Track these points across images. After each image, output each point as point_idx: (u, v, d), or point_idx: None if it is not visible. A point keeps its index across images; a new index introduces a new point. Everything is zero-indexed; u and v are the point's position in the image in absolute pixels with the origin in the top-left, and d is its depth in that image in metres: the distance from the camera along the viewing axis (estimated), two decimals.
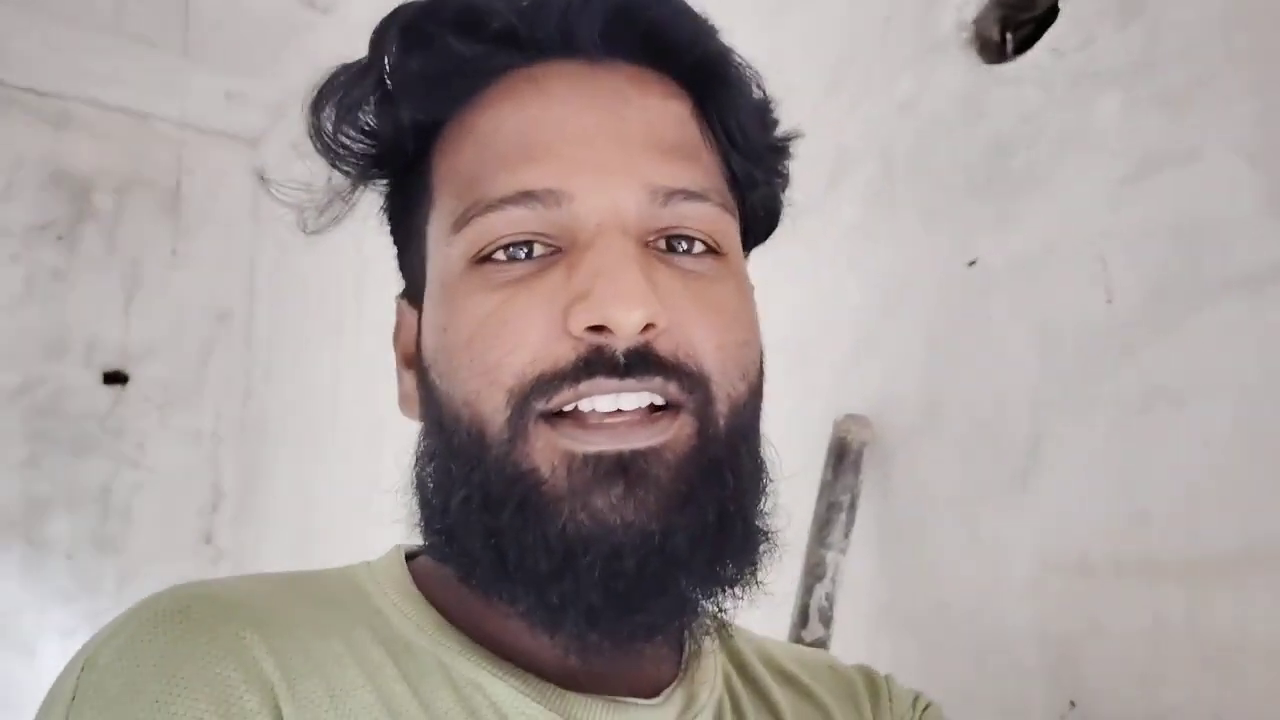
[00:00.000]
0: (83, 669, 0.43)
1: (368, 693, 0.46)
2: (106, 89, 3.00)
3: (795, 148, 0.63)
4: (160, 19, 2.47)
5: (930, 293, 1.07)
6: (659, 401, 0.47)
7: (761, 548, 0.51)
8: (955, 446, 1.02)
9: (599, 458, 0.45)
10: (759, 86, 0.58)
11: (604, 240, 0.46)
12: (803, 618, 1.03)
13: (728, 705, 0.57)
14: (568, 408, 0.46)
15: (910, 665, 1.03)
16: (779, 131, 0.60)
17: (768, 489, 0.53)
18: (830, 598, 1.03)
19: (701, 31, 0.54)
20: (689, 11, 0.54)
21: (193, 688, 0.42)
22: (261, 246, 2.98)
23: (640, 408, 0.46)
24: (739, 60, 0.56)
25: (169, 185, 3.13)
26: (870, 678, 0.68)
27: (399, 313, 0.57)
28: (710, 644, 0.57)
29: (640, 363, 0.45)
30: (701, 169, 0.51)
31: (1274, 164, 0.81)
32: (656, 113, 0.51)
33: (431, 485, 0.50)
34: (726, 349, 0.49)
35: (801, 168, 1.24)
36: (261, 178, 0.54)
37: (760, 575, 0.52)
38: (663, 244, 0.49)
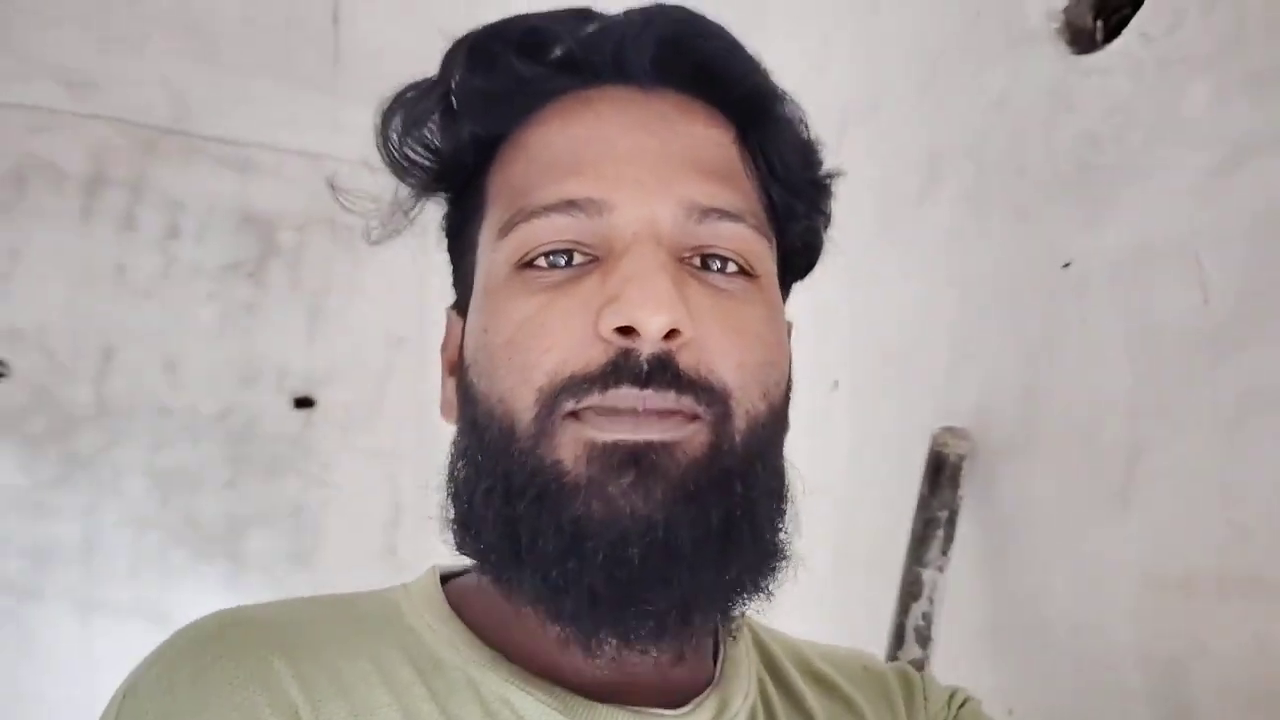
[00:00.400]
0: (125, 696, 0.48)
1: (394, 711, 0.48)
2: (283, 133, 3.24)
3: (836, 186, 0.63)
4: (322, 63, 2.65)
5: (1027, 298, 1.03)
6: (680, 408, 0.48)
7: (772, 561, 0.52)
8: (1054, 459, 0.97)
9: (615, 446, 0.46)
10: (804, 125, 0.59)
11: (638, 249, 0.48)
12: (898, 637, 1.01)
13: (760, 711, 0.57)
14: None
15: (1013, 685, 0.99)
16: (821, 170, 0.61)
17: (785, 506, 0.54)
18: (928, 616, 1.01)
19: (748, 67, 0.56)
20: (737, 47, 0.56)
21: (222, 713, 0.46)
22: (428, 274, 3.15)
23: (660, 416, 0.47)
24: (785, 98, 0.58)
25: (344, 220, 3.35)
26: (905, 676, 0.67)
27: (448, 323, 0.60)
28: (743, 651, 0.58)
29: (661, 372, 0.47)
30: (739, 192, 0.53)
31: None
32: (699, 137, 0.53)
33: (460, 479, 0.52)
34: (747, 368, 0.50)
35: (896, 171, 1.22)
36: (331, 187, 0.60)
37: (771, 587, 0.52)
38: (698, 261, 0.51)
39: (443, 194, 0.59)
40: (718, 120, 0.55)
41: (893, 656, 0.99)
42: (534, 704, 0.49)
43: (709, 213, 0.50)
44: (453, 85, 0.54)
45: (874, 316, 1.25)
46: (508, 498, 0.48)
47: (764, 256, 0.54)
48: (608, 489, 0.46)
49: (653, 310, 0.46)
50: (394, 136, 0.55)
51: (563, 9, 0.56)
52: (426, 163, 0.56)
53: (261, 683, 0.47)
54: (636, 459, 0.46)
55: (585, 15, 0.55)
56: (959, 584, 1.04)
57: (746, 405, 0.49)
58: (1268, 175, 0.80)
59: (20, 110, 3.21)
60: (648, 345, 0.46)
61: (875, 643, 1.01)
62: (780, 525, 0.53)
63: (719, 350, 0.49)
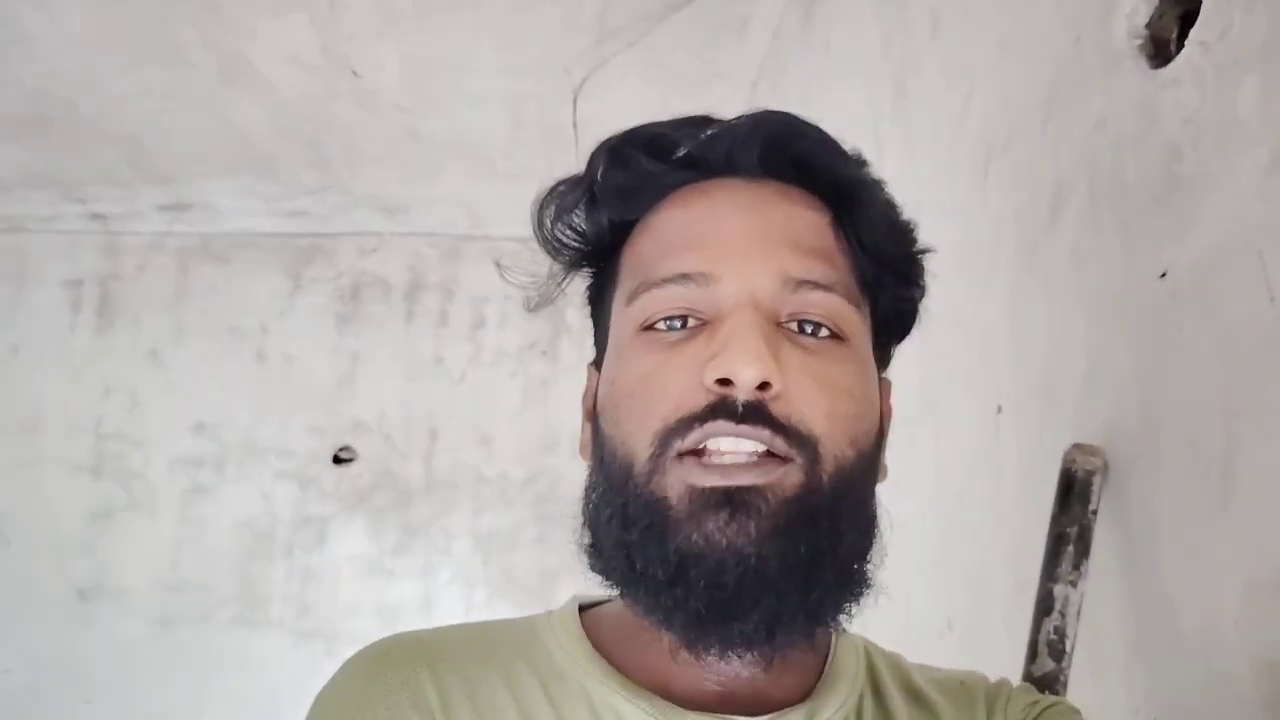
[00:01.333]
0: (316, 700, 0.62)
1: (513, 712, 0.60)
2: None
3: (927, 261, 0.72)
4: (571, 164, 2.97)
5: (1138, 311, 1.04)
6: (772, 450, 0.57)
7: (854, 589, 0.60)
8: (1172, 469, 0.98)
9: (712, 491, 0.55)
10: (894, 208, 0.69)
11: (739, 314, 0.58)
12: (1032, 652, 1.04)
13: None
14: (699, 448, 0.57)
15: (1156, 696, 0.98)
16: (911, 248, 0.69)
17: (871, 542, 0.62)
18: (1060, 630, 1.03)
19: (839, 160, 0.66)
20: (832, 144, 0.67)
21: (377, 713, 0.59)
22: None
23: (754, 451, 0.57)
24: (875, 185, 0.67)
25: None
26: (994, 687, 0.73)
27: (588, 377, 0.72)
28: (851, 671, 0.68)
29: (754, 414, 0.56)
30: (831, 266, 0.62)
31: None
32: (797, 219, 0.63)
33: (590, 509, 0.63)
34: (835, 418, 0.58)
35: (1029, 200, 1.27)
36: (498, 264, 0.74)
37: (852, 612, 0.62)
38: (794, 325, 0.60)
39: (587, 269, 0.71)
40: (814, 204, 0.64)
41: (1027, 671, 1.02)
42: (635, 711, 0.59)
43: (803, 284, 0.59)
44: (595, 180, 0.66)
45: (1025, 342, 1.27)
46: (625, 525, 0.58)
47: (853, 321, 0.62)
48: (706, 525, 0.55)
49: (745, 364, 0.55)
50: (548, 223, 0.68)
51: (686, 116, 0.68)
52: (574, 244, 0.68)
53: (410, 689, 0.60)
54: (730, 499, 0.55)
55: (704, 121, 0.67)
56: (1101, 598, 1.05)
57: (835, 451, 0.57)
58: None
59: (351, 236, 3.85)
60: (743, 393, 0.56)
61: (1017, 664, 1.05)
62: (865, 558, 0.62)
63: (808, 401, 0.57)
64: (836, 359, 0.61)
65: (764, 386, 0.55)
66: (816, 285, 0.59)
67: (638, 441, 0.60)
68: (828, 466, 0.58)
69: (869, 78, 1.82)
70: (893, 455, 0.72)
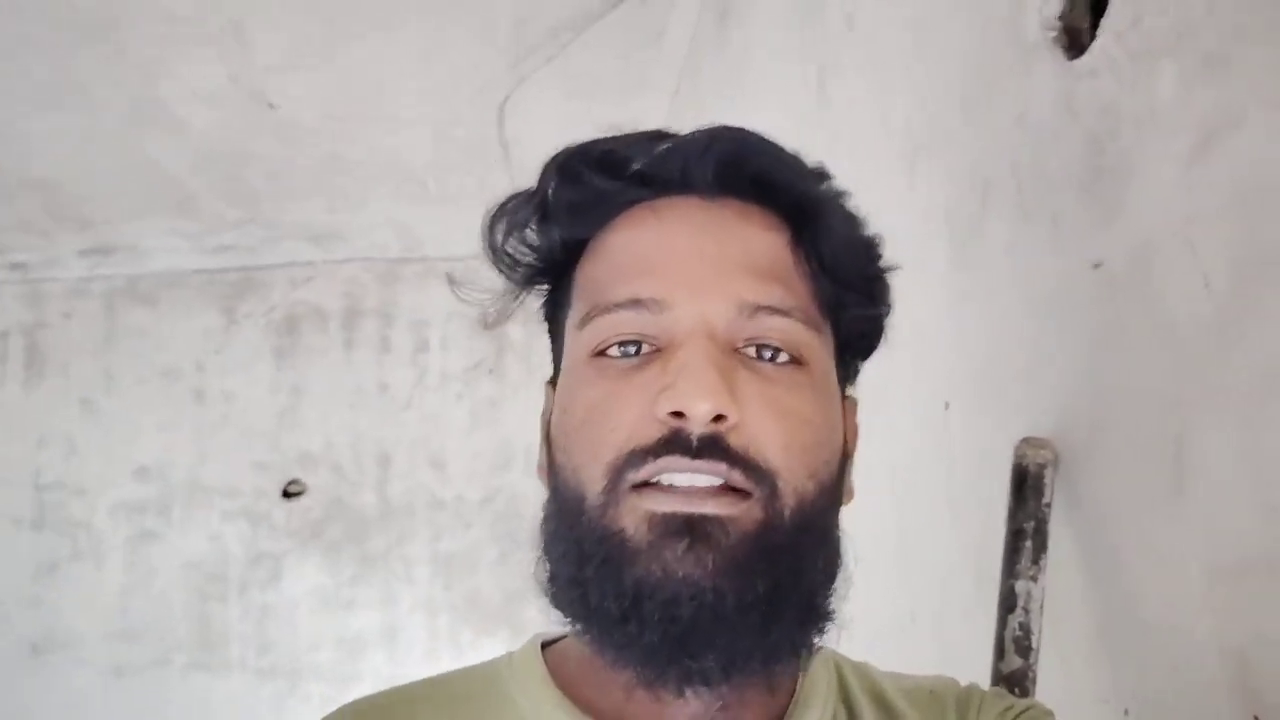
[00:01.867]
0: None
1: None
2: None
3: (891, 278, 0.70)
4: (504, 183, 2.95)
5: (1075, 303, 1.04)
6: (730, 483, 0.55)
7: (814, 625, 0.59)
8: (1122, 459, 0.98)
9: (672, 516, 0.54)
10: (857, 225, 0.67)
11: (692, 343, 0.56)
12: (999, 650, 1.03)
13: None
14: (653, 480, 0.56)
15: (1125, 686, 0.99)
16: (875, 265, 0.68)
17: (834, 574, 0.60)
18: (1025, 627, 1.03)
19: (800, 177, 0.64)
20: (791, 160, 0.65)
21: None
22: None
23: (712, 485, 0.55)
24: (835, 203, 0.65)
25: None
26: (964, 695, 0.71)
27: (546, 396, 0.69)
28: (823, 690, 0.66)
29: (710, 448, 0.54)
30: (788, 289, 0.60)
31: None
32: (755, 241, 0.61)
33: (545, 541, 0.61)
34: (793, 449, 0.56)
35: (958, 196, 1.27)
36: (451, 281, 0.71)
37: (811, 647, 0.61)
38: (752, 351, 0.58)
39: (540, 286, 0.68)
40: (773, 224, 0.62)
41: (995, 669, 1.02)
42: None
43: (759, 309, 0.58)
44: (547, 197, 0.64)
45: (967, 338, 1.28)
46: (579, 562, 0.57)
47: (813, 346, 0.60)
48: (664, 554, 0.53)
49: (699, 397, 0.53)
50: (499, 239, 0.65)
51: (640, 132, 0.66)
52: (525, 260, 0.66)
53: None
54: (691, 527, 0.53)
55: (658, 136, 0.65)
56: (1063, 591, 1.05)
57: (794, 484, 0.56)
58: (1233, 155, 0.80)
59: (282, 268, 3.78)
60: (697, 426, 0.54)
61: (982, 657, 1.04)
62: (826, 592, 0.61)
63: (765, 433, 0.55)
64: (795, 386, 0.59)
65: (719, 418, 0.54)
66: (774, 310, 0.57)
67: (590, 473, 0.59)
68: (788, 501, 0.57)
69: (788, 80, 1.82)
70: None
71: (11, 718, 3.87)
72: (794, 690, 0.64)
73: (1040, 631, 1.03)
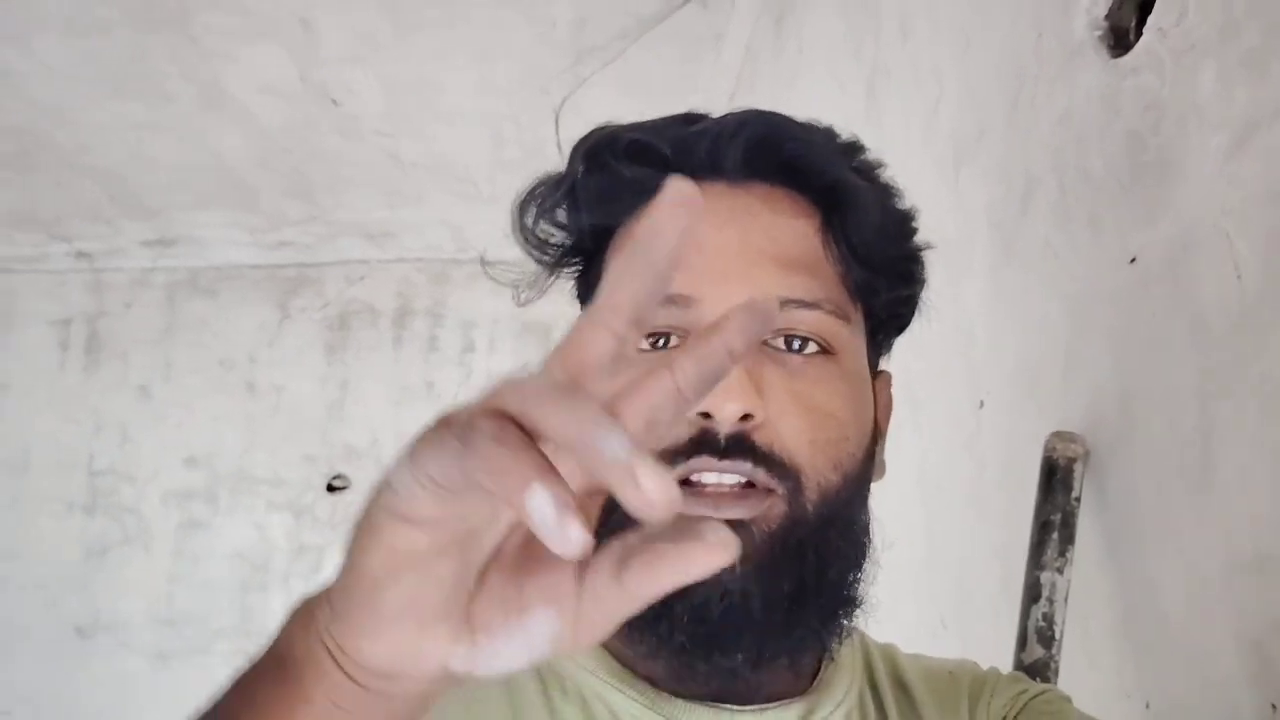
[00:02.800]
0: None
1: (504, 704, 0.59)
2: None
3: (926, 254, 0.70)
4: None
5: (1109, 298, 1.05)
6: (754, 481, 0.56)
7: (842, 613, 0.60)
8: (1151, 453, 0.98)
9: None
10: (891, 203, 0.66)
11: None
12: (1022, 640, 1.04)
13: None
14: (681, 479, 0.56)
15: (1147, 679, 0.99)
16: (909, 244, 0.67)
17: (861, 563, 0.61)
18: (1048, 617, 1.03)
19: (831, 160, 0.63)
20: (823, 143, 0.64)
21: None
22: None
23: (738, 483, 0.56)
24: (870, 184, 0.64)
25: None
26: (979, 677, 0.72)
27: None
28: (849, 667, 0.67)
29: (737, 447, 0.55)
30: (817, 279, 0.60)
31: None
32: (782, 230, 0.61)
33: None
34: (818, 444, 0.57)
35: (1001, 195, 1.28)
36: (482, 261, 0.72)
37: (841, 634, 0.62)
38: (781, 342, 0.59)
39: (571, 268, 0.68)
40: (802, 209, 0.62)
41: (1017, 659, 1.02)
42: (624, 699, 0.59)
43: (787, 303, 0.57)
44: (574, 182, 0.64)
45: (1003, 334, 1.29)
46: None
47: (841, 335, 0.60)
48: None
49: (725, 398, 0.53)
50: (528, 222, 0.66)
51: (671, 115, 0.66)
52: (554, 242, 0.66)
53: None
54: None
55: (687, 119, 0.65)
56: (1088, 584, 1.05)
57: (818, 479, 0.56)
58: (1269, 150, 0.81)
59: (337, 265, 3.86)
60: (725, 426, 0.54)
61: (1006, 655, 1.05)
62: (854, 580, 0.62)
63: (791, 429, 0.56)
64: (822, 378, 0.59)
65: (746, 417, 0.54)
66: (802, 303, 0.57)
67: None
68: (811, 495, 0.57)
69: (840, 82, 1.84)
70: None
71: (56, 698, 3.96)
72: (820, 662, 0.65)
73: (1063, 623, 1.04)
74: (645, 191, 0.65)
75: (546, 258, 0.69)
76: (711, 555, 0.32)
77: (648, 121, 0.65)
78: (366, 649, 0.36)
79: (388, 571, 0.35)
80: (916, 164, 1.51)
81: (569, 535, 0.30)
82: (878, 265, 0.64)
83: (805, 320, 0.59)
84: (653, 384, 0.33)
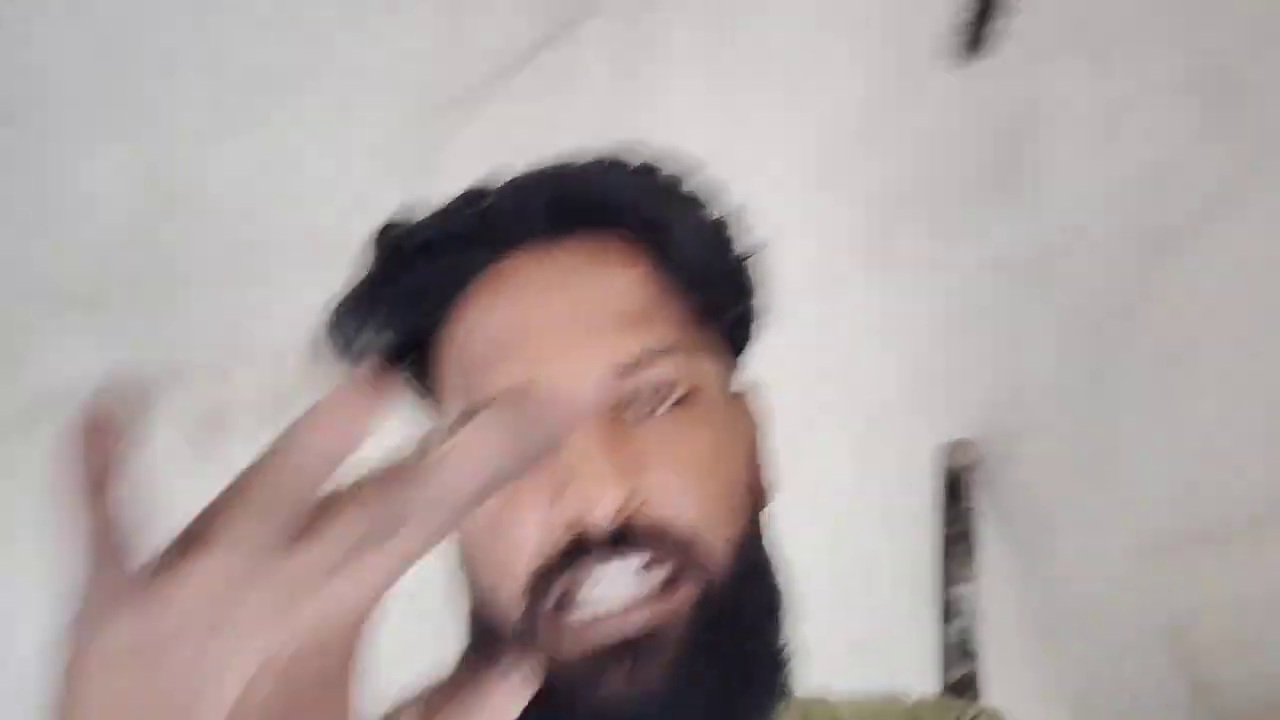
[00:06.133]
0: None
1: None
2: None
3: (761, 255, 0.64)
4: None
5: (982, 303, 1.06)
6: (655, 560, 0.50)
7: (778, 673, 0.56)
8: (1044, 452, 0.99)
9: (606, 647, 0.49)
10: (710, 214, 0.61)
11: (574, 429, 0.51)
12: (946, 659, 1.02)
13: None
14: (568, 591, 0.49)
15: (1059, 679, 0.98)
16: (736, 256, 0.62)
17: (782, 613, 0.58)
18: (967, 631, 1.02)
19: (640, 191, 0.59)
20: (625, 174, 0.60)
21: None
22: None
23: (638, 591, 0.50)
24: (686, 207, 0.60)
25: None
26: (911, 712, 0.69)
27: None
28: None
29: (623, 537, 0.49)
30: (661, 325, 0.55)
31: (1208, 94, 0.76)
32: (614, 283, 0.56)
33: (474, 633, 0.56)
34: (709, 498, 0.52)
35: (875, 208, 1.28)
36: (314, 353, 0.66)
37: (785, 691, 0.57)
38: (640, 398, 0.53)
39: (402, 373, 0.59)
40: (627, 251, 0.57)
41: (945, 677, 1.01)
42: None
43: (632, 367, 0.52)
44: (382, 290, 0.58)
45: (884, 354, 1.28)
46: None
47: (700, 369, 0.55)
48: (610, 679, 0.49)
49: (596, 495, 0.48)
50: (343, 336, 0.58)
51: (456, 197, 0.60)
52: (377, 351, 0.59)
53: None
54: (631, 647, 0.49)
55: (478, 195, 0.59)
56: (998, 589, 1.04)
57: (721, 533, 0.52)
58: (1129, 138, 0.83)
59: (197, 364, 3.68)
60: (602, 524, 0.49)
61: (927, 659, 1.03)
62: (780, 636, 0.57)
63: (676, 493, 0.51)
64: (690, 424, 0.54)
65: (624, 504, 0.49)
66: (653, 356, 0.53)
67: (502, 594, 0.53)
68: (717, 555, 0.53)
69: (700, 103, 1.84)
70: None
71: None
72: None
73: (980, 635, 1.02)
74: (456, 283, 0.60)
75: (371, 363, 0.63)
76: (513, 690, 0.27)
77: (438, 212, 0.60)
78: None
79: None
80: (781, 186, 1.51)
81: None
82: (714, 286, 0.60)
83: (658, 374, 0.53)
84: None
